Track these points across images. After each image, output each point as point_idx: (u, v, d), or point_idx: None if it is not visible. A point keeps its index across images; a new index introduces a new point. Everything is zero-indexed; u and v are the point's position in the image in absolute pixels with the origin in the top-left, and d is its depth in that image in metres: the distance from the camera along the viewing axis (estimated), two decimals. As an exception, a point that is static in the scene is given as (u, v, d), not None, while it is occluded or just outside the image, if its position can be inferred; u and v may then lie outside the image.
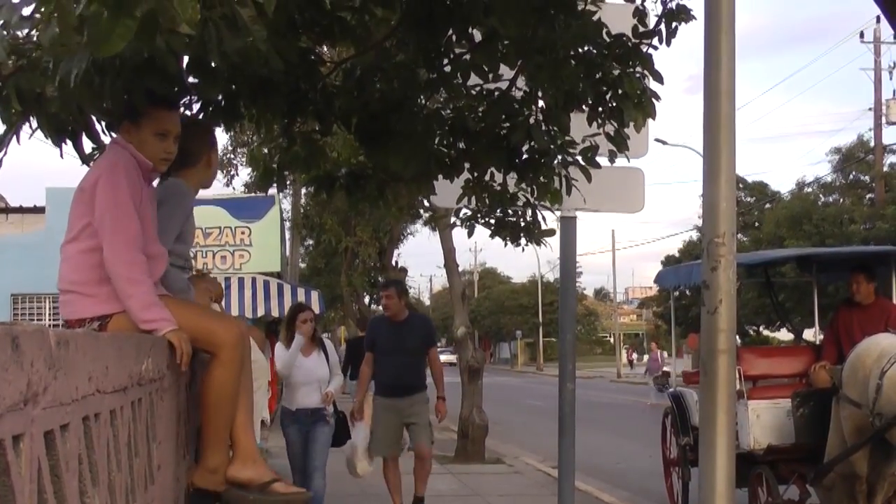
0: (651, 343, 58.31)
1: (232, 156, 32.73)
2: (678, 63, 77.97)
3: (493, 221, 9.20)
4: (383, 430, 13.68)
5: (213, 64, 5.19)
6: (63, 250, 5.34)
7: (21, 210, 32.72)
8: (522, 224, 9.17)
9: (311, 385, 12.87)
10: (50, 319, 28.90)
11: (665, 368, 44.21)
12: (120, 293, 5.07)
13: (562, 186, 8.19)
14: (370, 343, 14.07)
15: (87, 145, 6.49)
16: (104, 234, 5.10)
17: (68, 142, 6.15)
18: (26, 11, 4.91)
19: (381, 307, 14.86)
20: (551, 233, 9.35)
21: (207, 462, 5.49)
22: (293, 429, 12.90)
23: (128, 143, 5.45)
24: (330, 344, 13.87)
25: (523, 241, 9.34)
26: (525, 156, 8.06)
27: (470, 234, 9.66)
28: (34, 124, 5.99)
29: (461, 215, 9.59)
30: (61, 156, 6.23)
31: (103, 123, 6.34)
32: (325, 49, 9.32)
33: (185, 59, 5.61)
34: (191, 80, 6.13)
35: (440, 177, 8.60)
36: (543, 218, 9.17)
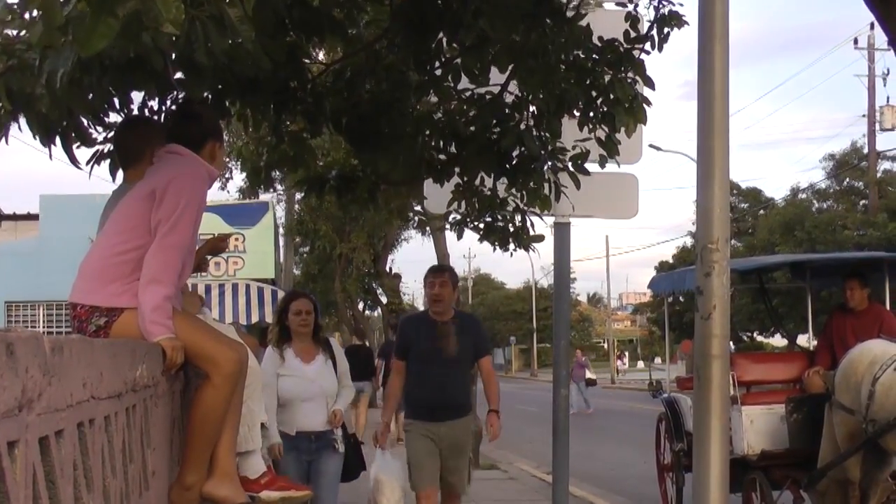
0: (576, 350, 58.25)
1: (227, 159, 32.71)
2: (673, 70, 78.31)
3: (482, 226, 9.22)
4: (423, 456, 10.35)
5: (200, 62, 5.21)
6: (103, 238, 5.44)
7: (14, 217, 32.70)
8: (511, 229, 9.19)
9: (314, 401, 9.91)
10: (44, 327, 28.85)
11: (589, 375, 44.49)
12: (142, 286, 5.18)
13: (551, 192, 8.21)
14: (403, 348, 10.77)
15: (84, 155, 6.53)
16: (160, 231, 5.25)
17: (57, 142, 6.18)
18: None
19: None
20: (540, 238, 9.36)
21: (184, 479, 5.48)
22: (290, 457, 9.77)
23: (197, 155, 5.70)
24: (339, 347, 10.77)
25: (512, 246, 9.37)
26: (515, 161, 8.08)
27: (459, 237, 9.69)
28: (24, 125, 6.02)
29: (451, 219, 9.61)
30: (50, 157, 6.26)
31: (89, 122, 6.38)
32: (317, 52, 9.34)
33: (172, 55, 5.63)
34: (177, 76, 6.15)
35: (430, 181, 8.63)
36: (532, 224, 9.19)
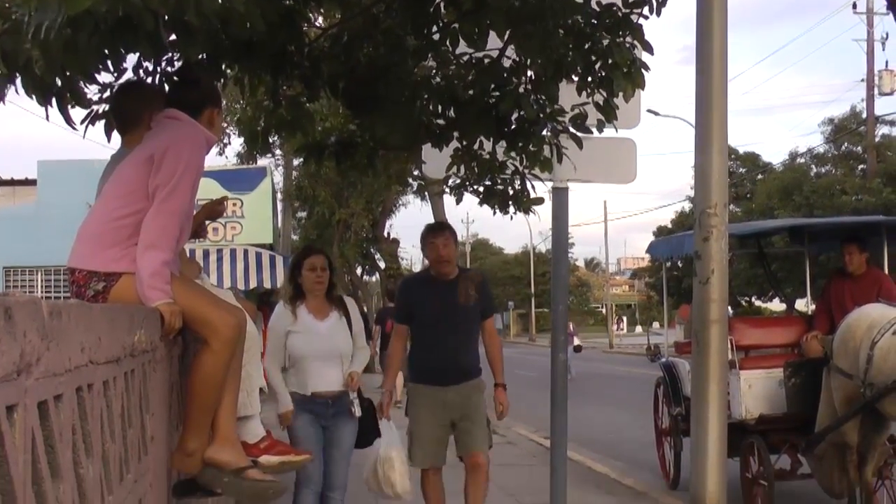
0: None
1: (225, 124, 32.77)
2: (672, 34, 78.17)
3: (481, 190, 9.19)
4: (427, 430, 9.80)
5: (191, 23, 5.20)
6: (101, 202, 5.44)
7: (13, 182, 32.65)
8: (511, 193, 9.16)
9: (328, 360, 9.36)
10: (42, 292, 28.86)
11: (577, 341, 44.35)
12: (139, 251, 5.18)
13: (552, 155, 8.20)
14: (404, 311, 10.15)
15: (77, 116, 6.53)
16: (158, 196, 5.25)
17: (53, 103, 6.17)
18: None
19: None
20: (540, 201, 9.33)
21: (185, 445, 5.50)
22: (305, 420, 9.28)
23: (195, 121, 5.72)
24: (354, 305, 10.04)
25: (512, 209, 9.34)
26: (514, 125, 8.06)
27: (458, 202, 9.65)
28: (20, 89, 6.01)
29: (450, 183, 9.57)
30: (47, 117, 6.26)
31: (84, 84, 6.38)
32: (315, 16, 9.33)
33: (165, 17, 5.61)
34: (172, 38, 6.14)
35: (429, 145, 8.61)
36: (533, 187, 9.17)
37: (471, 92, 7.98)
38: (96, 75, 6.39)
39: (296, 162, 37.00)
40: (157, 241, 5.17)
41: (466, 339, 9.91)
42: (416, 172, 30.93)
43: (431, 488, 9.89)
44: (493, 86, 7.87)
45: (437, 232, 9.92)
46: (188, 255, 7.25)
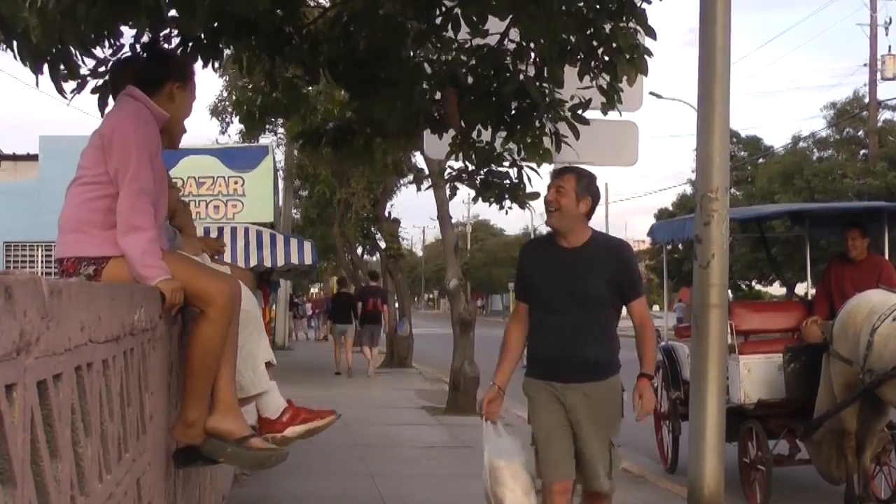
0: None
1: (227, 103, 32.65)
2: (678, 16, 78.04)
3: (478, 182, 9.15)
4: (553, 430, 7.53)
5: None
6: (71, 191, 5.45)
7: (14, 157, 32.68)
8: (508, 185, 9.12)
9: None
10: (43, 267, 28.91)
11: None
12: (121, 236, 5.21)
13: (552, 143, 8.16)
14: (521, 285, 7.89)
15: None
16: (122, 181, 5.25)
17: (45, 71, 6.19)
18: None
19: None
20: (536, 196, 9.22)
21: (186, 416, 5.53)
22: None
23: (147, 97, 5.62)
24: None
25: (507, 203, 9.29)
26: (514, 111, 8.03)
27: (451, 197, 9.59)
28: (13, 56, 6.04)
29: (446, 175, 9.53)
30: (37, 84, 6.29)
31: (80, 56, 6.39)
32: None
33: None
34: (172, 14, 6.14)
35: (429, 131, 8.58)
36: (529, 179, 9.11)
37: (470, 80, 7.96)
38: (93, 49, 6.40)
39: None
40: (136, 222, 5.20)
41: (593, 324, 7.51)
42: (413, 161, 31.11)
43: None
44: (493, 71, 7.85)
45: (555, 175, 7.65)
46: (199, 232, 7.27)
